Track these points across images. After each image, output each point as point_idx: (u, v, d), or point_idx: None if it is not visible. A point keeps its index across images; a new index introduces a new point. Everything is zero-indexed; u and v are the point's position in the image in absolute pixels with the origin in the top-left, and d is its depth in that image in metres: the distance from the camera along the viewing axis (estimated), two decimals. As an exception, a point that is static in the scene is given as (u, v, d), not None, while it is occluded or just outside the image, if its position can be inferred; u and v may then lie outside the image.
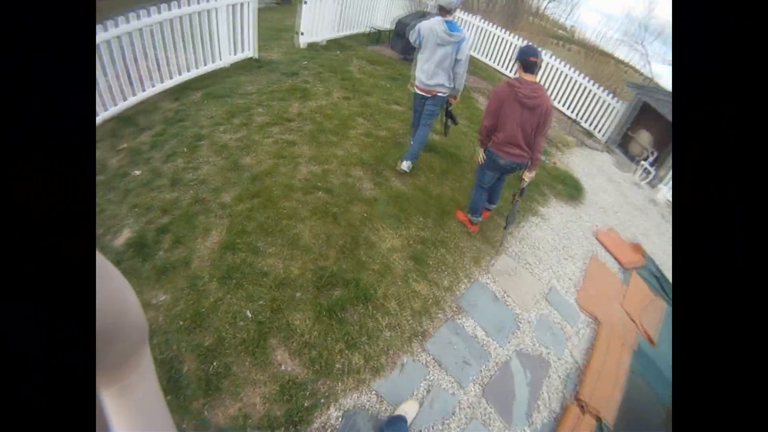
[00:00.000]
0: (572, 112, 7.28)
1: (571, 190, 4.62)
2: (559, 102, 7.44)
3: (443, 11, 3.15)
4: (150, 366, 0.35)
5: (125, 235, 2.72)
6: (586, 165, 5.86)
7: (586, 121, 7.16)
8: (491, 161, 2.85)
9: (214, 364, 1.92)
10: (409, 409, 1.93)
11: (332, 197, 3.06)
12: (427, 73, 3.28)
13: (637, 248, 4.05)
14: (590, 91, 6.99)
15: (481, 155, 2.91)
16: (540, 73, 7.27)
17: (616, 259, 3.78)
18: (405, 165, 3.61)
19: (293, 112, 4.26)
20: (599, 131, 7.04)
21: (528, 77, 2.60)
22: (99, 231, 2.81)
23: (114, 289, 0.28)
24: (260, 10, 11.54)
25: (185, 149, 3.49)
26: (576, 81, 7.12)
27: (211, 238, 2.63)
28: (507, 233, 3.20)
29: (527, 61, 2.56)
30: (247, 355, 1.97)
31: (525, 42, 7.56)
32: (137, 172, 3.33)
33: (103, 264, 0.27)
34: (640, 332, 3.00)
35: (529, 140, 2.70)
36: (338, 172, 3.39)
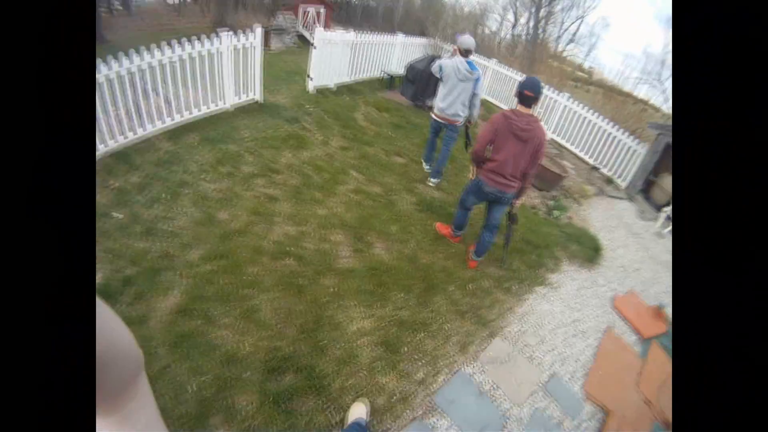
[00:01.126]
0: (591, 157, 6.88)
1: (587, 250, 4.18)
2: (577, 147, 7.07)
3: (466, 53, 3.71)
4: (148, 394, 0.35)
5: (93, 279, 2.55)
6: (606, 217, 5.42)
7: (605, 166, 6.73)
8: (477, 187, 2.96)
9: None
10: (359, 412, 1.87)
11: (302, 266, 2.78)
12: (448, 104, 3.82)
13: (659, 313, 3.52)
14: (609, 133, 6.60)
15: (473, 171, 3.05)
16: (556, 116, 7.09)
17: (635, 329, 3.30)
18: (433, 182, 4.34)
19: (283, 163, 4.07)
20: (620, 177, 6.59)
21: (523, 109, 2.66)
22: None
23: (104, 320, 0.28)
24: (280, 53, 12.04)
25: (168, 196, 3.34)
26: (594, 124, 6.75)
27: (171, 297, 2.40)
28: (506, 253, 3.36)
29: (522, 93, 2.63)
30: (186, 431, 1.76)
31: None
32: (120, 216, 3.19)
33: None
34: (656, 417, 2.51)
35: (517, 172, 2.77)
36: (315, 235, 3.11)
